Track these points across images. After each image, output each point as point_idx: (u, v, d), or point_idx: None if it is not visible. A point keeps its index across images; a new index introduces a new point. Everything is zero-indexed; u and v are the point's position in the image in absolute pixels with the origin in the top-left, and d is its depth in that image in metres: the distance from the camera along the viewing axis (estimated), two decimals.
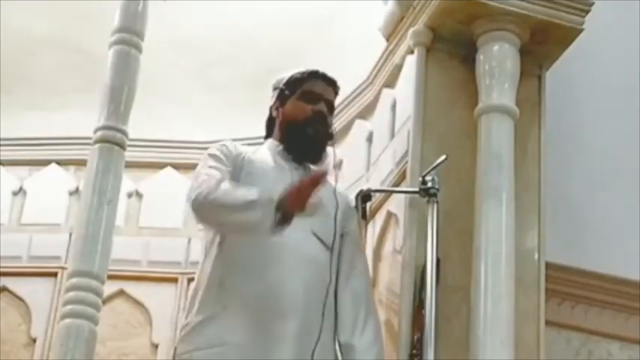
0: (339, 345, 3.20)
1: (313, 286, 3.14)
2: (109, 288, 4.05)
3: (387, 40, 4.13)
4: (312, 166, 3.31)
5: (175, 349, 3.13)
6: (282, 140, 3.34)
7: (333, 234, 3.22)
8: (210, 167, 3.18)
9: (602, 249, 4.08)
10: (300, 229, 3.13)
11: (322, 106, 3.33)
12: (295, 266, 3.12)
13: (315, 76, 3.37)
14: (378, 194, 3.77)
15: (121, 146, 3.50)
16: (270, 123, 3.42)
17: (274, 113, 3.39)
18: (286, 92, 3.36)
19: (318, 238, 3.20)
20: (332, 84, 3.39)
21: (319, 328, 3.09)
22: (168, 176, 5.41)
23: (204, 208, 3.07)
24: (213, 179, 3.10)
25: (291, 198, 2.94)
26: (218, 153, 3.24)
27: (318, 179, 2.95)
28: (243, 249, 3.12)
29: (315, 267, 3.16)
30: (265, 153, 3.32)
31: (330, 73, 3.41)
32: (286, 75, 3.41)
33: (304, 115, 3.31)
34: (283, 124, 3.35)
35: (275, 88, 3.41)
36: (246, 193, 3.01)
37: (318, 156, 3.30)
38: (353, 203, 3.47)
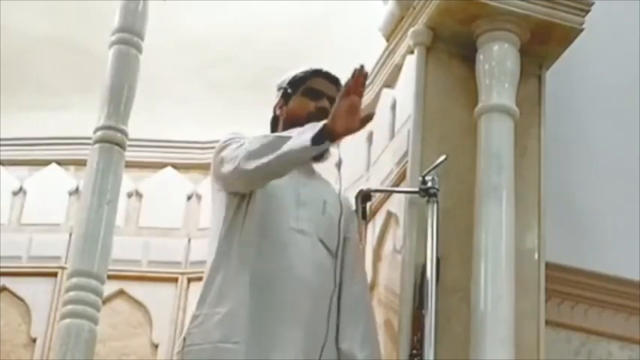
0: (339, 351, 3.19)
1: (319, 293, 3.14)
2: (109, 288, 4.05)
3: (387, 40, 4.12)
4: (315, 164, 3.33)
5: (184, 339, 3.09)
6: None
7: (338, 240, 3.23)
8: (235, 138, 3.19)
9: (602, 249, 4.08)
10: (307, 235, 3.16)
11: (325, 103, 3.31)
12: (303, 272, 3.13)
13: (318, 74, 3.38)
14: (378, 194, 3.78)
15: (121, 146, 3.49)
16: (274, 122, 3.41)
17: (277, 112, 3.40)
18: (289, 91, 3.37)
19: (324, 245, 3.21)
20: (335, 82, 3.37)
21: (325, 335, 3.09)
22: (169, 176, 5.41)
23: (250, 162, 3.04)
24: (241, 142, 3.13)
25: (336, 118, 2.97)
26: (233, 135, 3.23)
27: (350, 89, 2.99)
28: (254, 253, 3.11)
29: (321, 273, 3.17)
30: None
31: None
32: (290, 75, 3.42)
33: (307, 111, 3.30)
34: (286, 121, 3.34)
35: (279, 89, 3.42)
36: (281, 134, 3.09)
37: (321, 153, 3.30)
38: (353, 207, 3.47)
